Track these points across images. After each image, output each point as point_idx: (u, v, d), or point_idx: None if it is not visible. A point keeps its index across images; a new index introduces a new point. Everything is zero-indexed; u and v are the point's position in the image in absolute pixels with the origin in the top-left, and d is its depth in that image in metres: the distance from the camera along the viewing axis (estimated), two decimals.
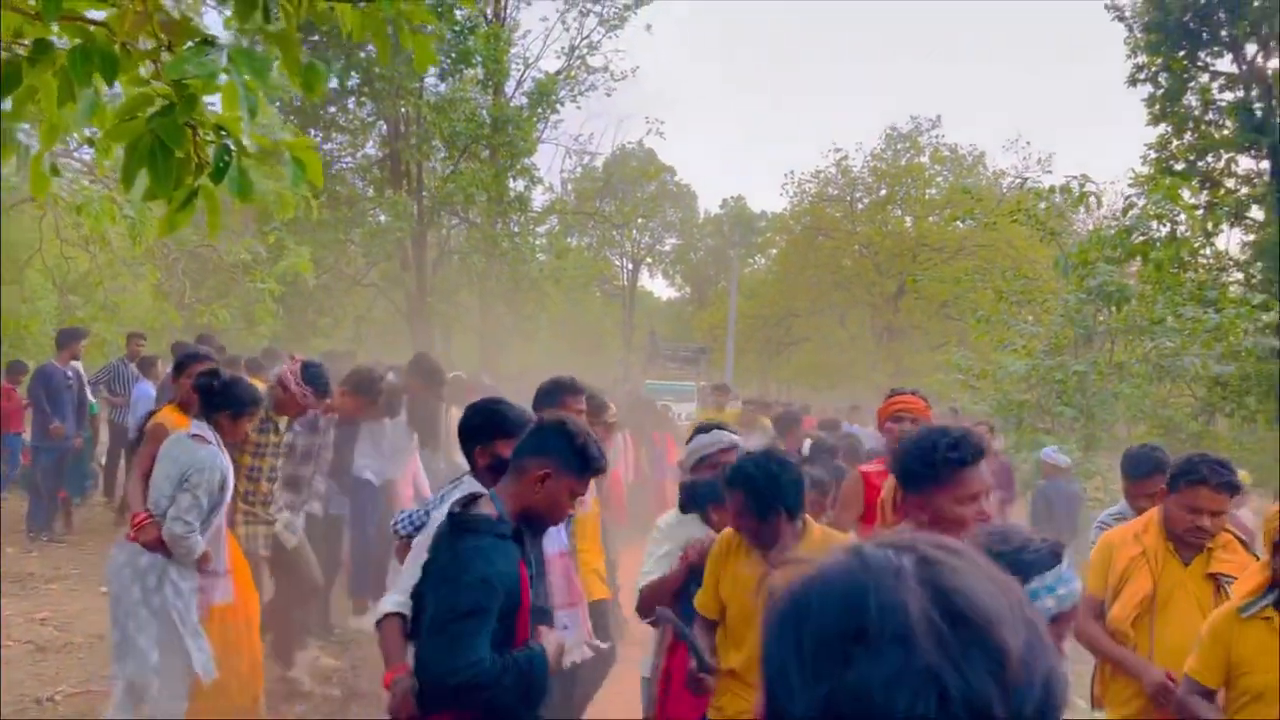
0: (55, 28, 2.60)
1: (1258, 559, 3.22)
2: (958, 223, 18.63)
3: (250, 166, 2.71)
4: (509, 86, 19.43)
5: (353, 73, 16.71)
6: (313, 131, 17.60)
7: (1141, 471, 4.16)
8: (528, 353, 21.51)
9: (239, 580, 4.78)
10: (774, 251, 41.27)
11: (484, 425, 3.18)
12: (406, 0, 2.53)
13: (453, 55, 17.40)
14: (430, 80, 18.22)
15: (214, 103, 2.77)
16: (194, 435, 4.47)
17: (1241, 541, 3.48)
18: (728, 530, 3.37)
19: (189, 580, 4.39)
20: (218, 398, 4.54)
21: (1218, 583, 3.35)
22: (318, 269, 16.31)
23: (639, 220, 40.66)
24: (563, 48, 21.13)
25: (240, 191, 2.50)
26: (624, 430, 10.76)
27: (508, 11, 20.19)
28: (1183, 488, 3.44)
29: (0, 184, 7.95)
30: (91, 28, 2.47)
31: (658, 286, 54.93)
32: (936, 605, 0.63)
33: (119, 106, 2.58)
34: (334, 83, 17.74)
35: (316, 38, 14.52)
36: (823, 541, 3.19)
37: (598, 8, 20.71)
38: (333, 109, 18.22)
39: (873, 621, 0.63)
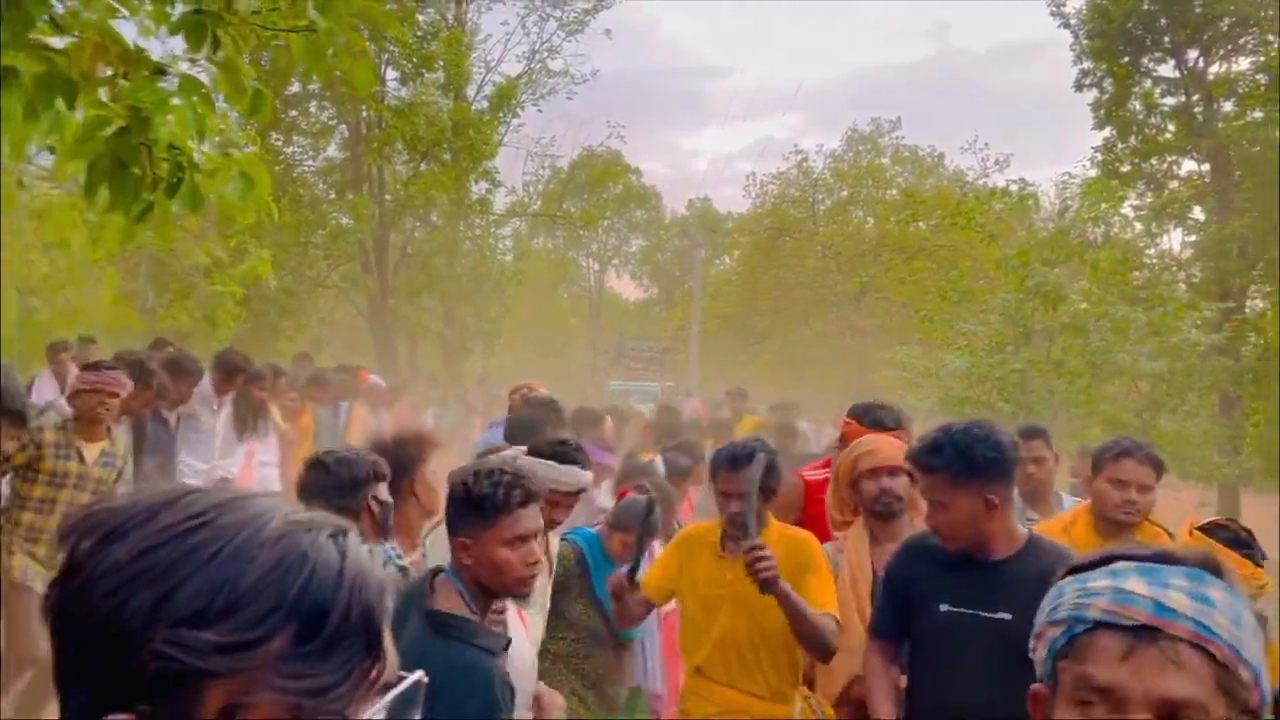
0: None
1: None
2: (919, 223, 19.00)
3: (202, 181, 2.94)
4: (470, 90, 19.61)
5: (313, 76, 16.80)
6: (274, 135, 17.69)
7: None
8: (491, 355, 21.66)
9: None
10: (738, 253, 41.67)
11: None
12: (334, 28, 2.76)
13: (415, 59, 17.56)
14: (392, 84, 18.37)
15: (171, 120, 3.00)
16: None
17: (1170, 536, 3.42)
18: (694, 529, 3.39)
19: None
20: None
21: None
22: (279, 272, 16.39)
23: (604, 221, 40.90)
24: (523, 52, 21.36)
25: (191, 205, 2.73)
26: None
27: (469, 16, 20.36)
28: (1107, 463, 3.50)
29: None
30: (53, 55, 2.69)
31: (625, 288, 55.10)
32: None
33: (78, 128, 2.80)
34: (295, 86, 17.83)
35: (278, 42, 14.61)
36: (780, 535, 3.20)
37: (558, 12, 20.95)
38: (294, 113, 18.31)
39: None
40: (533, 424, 5.01)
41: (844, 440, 3.84)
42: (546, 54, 21.00)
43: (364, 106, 17.89)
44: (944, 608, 2.66)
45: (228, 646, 0.70)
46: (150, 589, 0.70)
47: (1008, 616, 2.55)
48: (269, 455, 7.51)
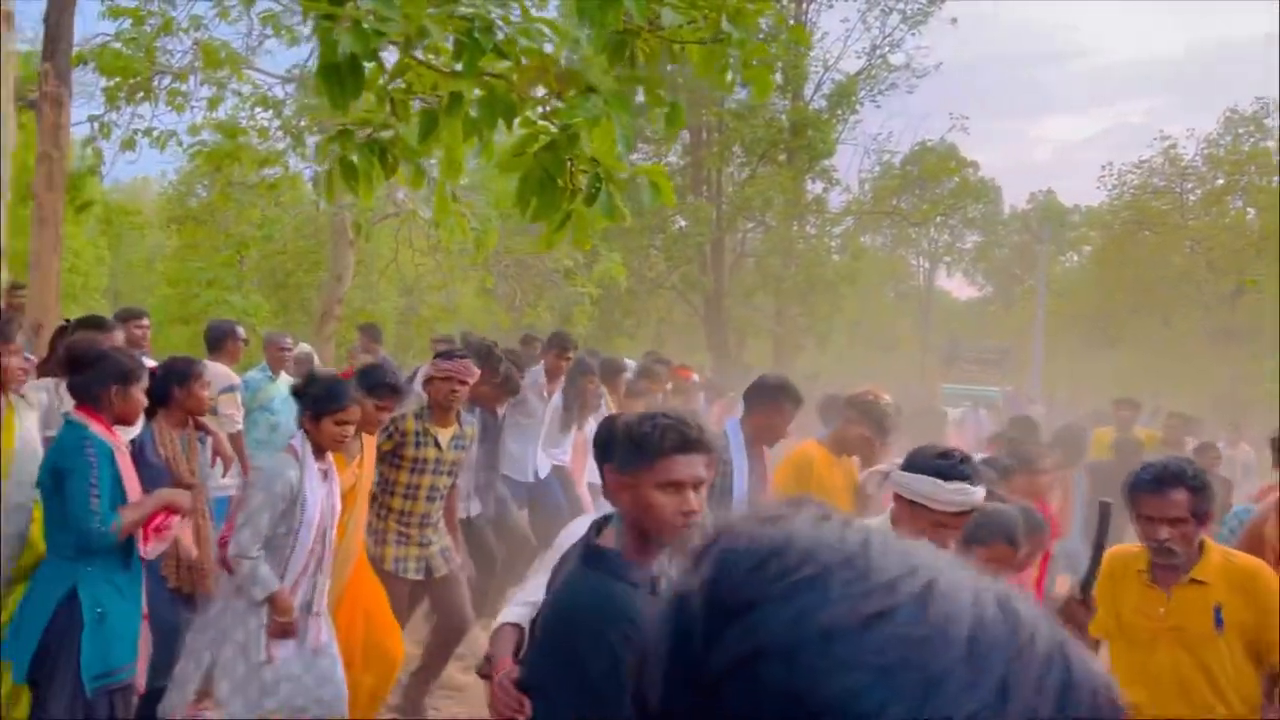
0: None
1: None
2: None
3: (614, 191, 3.13)
4: (808, 89, 19.60)
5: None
6: None
7: None
8: (822, 355, 21.58)
9: (378, 616, 4.42)
10: (1088, 248, 38.51)
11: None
12: (746, 38, 2.83)
13: (755, 62, 17.85)
14: None
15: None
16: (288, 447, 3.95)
17: None
18: (1120, 552, 3.14)
19: (254, 616, 3.71)
20: (304, 398, 3.89)
21: None
22: (625, 273, 17.33)
23: (938, 218, 39.37)
24: (863, 48, 20.98)
25: (610, 213, 2.92)
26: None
27: (808, 16, 20.35)
28: None
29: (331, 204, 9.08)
30: (492, 80, 2.98)
31: (954, 286, 52.71)
32: None
33: (510, 144, 3.09)
34: (640, 96, 18.75)
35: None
36: (1224, 565, 2.92)
37: (900, 5, 20.39)
38: (641, 120, 19.26)
39: None
40: None
41: None
42: (887, 48, 20.55)
43: (704, 111, 18.43)
44: None
45: None
46: (906, 678, 0.56)
47: None
48: None
